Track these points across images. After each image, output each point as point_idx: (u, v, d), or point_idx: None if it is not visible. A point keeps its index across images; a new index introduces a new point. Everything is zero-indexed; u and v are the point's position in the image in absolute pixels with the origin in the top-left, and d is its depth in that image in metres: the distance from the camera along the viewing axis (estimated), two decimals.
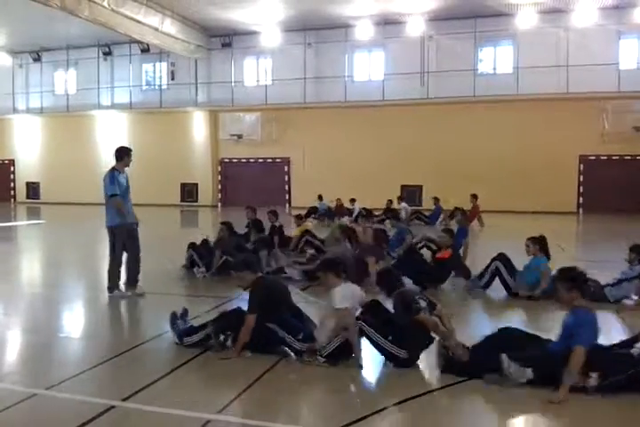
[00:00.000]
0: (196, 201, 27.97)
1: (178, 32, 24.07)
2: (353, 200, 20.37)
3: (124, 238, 7.64)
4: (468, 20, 23.11)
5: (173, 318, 5.70)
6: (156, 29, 22.59)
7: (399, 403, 4.25)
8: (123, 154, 7.76)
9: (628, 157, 22.72)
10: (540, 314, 7.01)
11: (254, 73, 27.48)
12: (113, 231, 7.70)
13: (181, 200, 28.10)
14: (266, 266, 9.02)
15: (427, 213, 19.47)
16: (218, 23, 25.08)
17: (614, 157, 22.86)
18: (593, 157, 23.12)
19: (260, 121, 26.30)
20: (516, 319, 6.73)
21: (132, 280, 7.85)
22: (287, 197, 27.08)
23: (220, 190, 28.10)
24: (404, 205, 19.29)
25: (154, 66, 28.82)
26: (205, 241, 10.03)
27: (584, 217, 22.32)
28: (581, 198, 23.44)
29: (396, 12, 23.02)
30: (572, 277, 4.54)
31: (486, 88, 23.25)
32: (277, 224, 11.41)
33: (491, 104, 23.22)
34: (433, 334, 4.98)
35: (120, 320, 7.32)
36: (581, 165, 23.34)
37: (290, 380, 4.76)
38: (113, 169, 7.65)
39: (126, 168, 7.81)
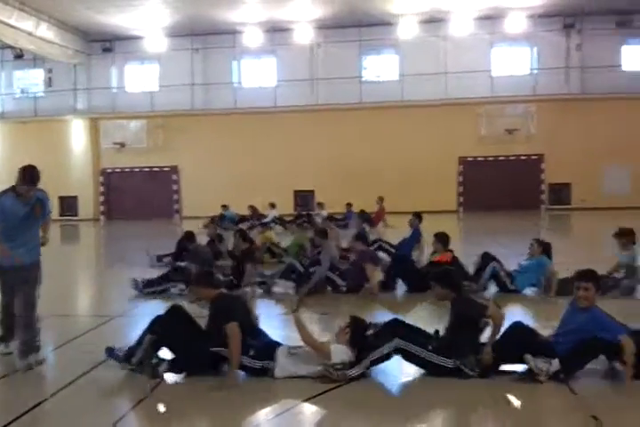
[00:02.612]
0: (76, 215, 26.35)
1: (55, 36, 22.78)
2: (272, 205, 20.04)
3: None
4: (353, 29, 23.98)
5: (110, 351, 4.96)
6: (30, 34, 21.25)
7: None
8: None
9: (502, 158, 24.55)
10: (550, 311, 6.71)
11: (138, 79, 26.56)
12: None
13: (60, 215, 26.26)
14: (248, 279, 8.21)
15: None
16: (98, 28, 24.03)
17: (489, 158, 24.59)
18: (470, 159, 24.72)
19: (145, 128, 25.40)
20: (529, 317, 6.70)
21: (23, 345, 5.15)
22: (177, 207, 26.29)
23: (103, 202, 26.70)
24: (273, 212, 19.51)
25: (28, 72, 26.95)
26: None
27: (463, 215, 23.73)
28: (461, 197, 24.94)
29: (283, 19, 23.35)
30: (598, 279, 4.82)
31: (372, 95, 24.18)
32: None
33: (376, 110, 24.14)
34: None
35: None
36: (460, 166, 24.86)
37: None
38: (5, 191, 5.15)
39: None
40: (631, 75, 24.08)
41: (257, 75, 26.03)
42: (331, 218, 18.32)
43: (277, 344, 4.87)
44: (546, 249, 7.90)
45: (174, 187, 26.20)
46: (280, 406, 4.20)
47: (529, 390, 4.42)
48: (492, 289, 7.97)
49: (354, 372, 4.55)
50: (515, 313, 6.59)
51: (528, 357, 4.50)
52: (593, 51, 23.85)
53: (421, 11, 22.71)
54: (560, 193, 24.55)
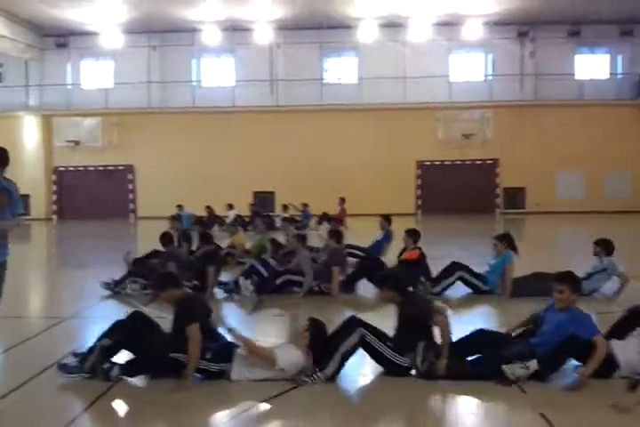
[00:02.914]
0: (28, 214, 25.50)
1: (4, 29, 22.06)
2: (230, 206, 19.85)
3: None
4: (313, 31, 23.99)
5: (63, 367, 4.65)
6: None
7: None
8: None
9: (459, 162, 24.94)
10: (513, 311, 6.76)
11: (93, 76, 25.96)
12: None
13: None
14: (212, 282, 7.99)
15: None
16: (52, 22, 23.41)
17: (447, 162, 24.96)
18: (428, 163, 25.04)
19: (100, 126, 24.82)
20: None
21: None
22: (132, 207, 25.78)
23: (56, 202, 25.97)
24: (233, 213, 19.37)
25: None
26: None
27: (422, 218, 24.00)
28: (419, 201, 25.23)
29: (243, 18, 23.20)
30: (576, 280, 4.84)
31: (333, 97, 24.25)
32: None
33: (337, 113, 24.22)
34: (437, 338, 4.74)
35: None
36: (418, 170, 25.15)
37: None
38: None
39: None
40: (583, 83, 24.83)
41: (216, 74, 25.78)
42: (290, 219, 18.23)
43: (235, 346, 4.75)
44: (509, 242, 7.83)
45: (129, 186, 25.68)
46: (237, 408, 4.12)
47: (478, 390, 4.45)
48: (460, 293, 7.97)
49: (329, 370, 4.51)
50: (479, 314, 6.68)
51: (505, 369, 4.51)
52: (546, 59, 24.52)
53: (381, 15, 22.91)
54: (515, 197, 25.10)
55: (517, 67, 24.83)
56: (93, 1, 21.11)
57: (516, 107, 24.28)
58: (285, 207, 19.70)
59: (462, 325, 5.38)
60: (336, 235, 8.58)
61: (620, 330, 5.04)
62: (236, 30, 24.11)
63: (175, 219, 11.53)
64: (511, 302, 7.35)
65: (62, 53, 25.21)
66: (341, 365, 4.57)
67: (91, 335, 6.13)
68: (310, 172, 24.14)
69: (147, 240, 18.98)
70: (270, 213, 19.45)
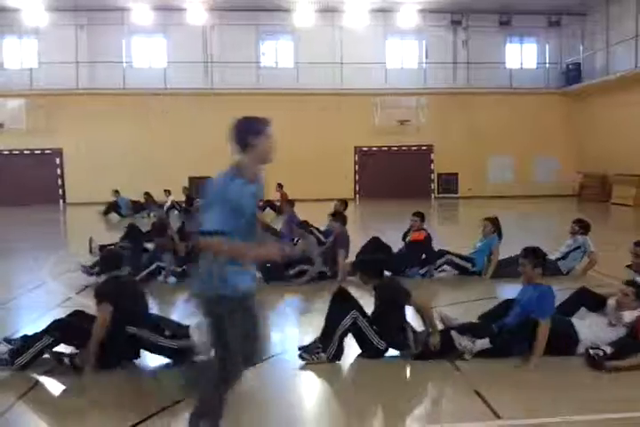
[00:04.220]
0: None
1: None
2: (168, 191, 19.37)
3: None
4: (249, 13, 23.53)
5: None
6: None
7: None
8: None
9: (395, 148, 25.24)
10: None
11: (16, 54, 24.60)
12: None
13: None
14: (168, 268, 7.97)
15: None
16: None
17: (383, 148, 25.21)
18: (366, 149, 25.22)
19: (24, 108, 23.60)
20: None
21: None
22: (61, 193, 24.77)
23: None
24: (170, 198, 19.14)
25: None
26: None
27: (360, 203, 24.21)
28: (357, 186, 25.42)
29: None
30: (538, 255, 4.95)
31: (269, 81, 23.95)
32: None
33: (274, 97, 23.89)
34: (418, 321, 4.91)
35: None
36: (356, 156, 25.31)
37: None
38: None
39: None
40: (513, 72, 25.54)
41: (147, 55, 24.92)
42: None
43: (186, 325, 4.78)
44: (496, 226, 8.18)
45: (57, 171, 24.64)
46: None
47: (419, 369, 4.55)
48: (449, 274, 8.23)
49: (330, 351, 4.73)
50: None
51: (453, 333, 4.67)
52: (478, 47, 25.02)
53: (317, 0, 22.73)
54: (448, 183, 25.68)
55: (450, 54, 25.24)
56: None
57: (449, 94, 24.72)
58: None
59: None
60: (342, 217, 8.57)
61: (568, 309, 5.26)
62: (167, 10, 23.36)
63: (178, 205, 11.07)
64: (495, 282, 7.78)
65: None
66: (340, 344, 4.77)
67: (18, 326, 5.88)
68: None
69: (77, 226, 18.49)
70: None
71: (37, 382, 4.33)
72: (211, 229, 3.02)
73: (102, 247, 9.04)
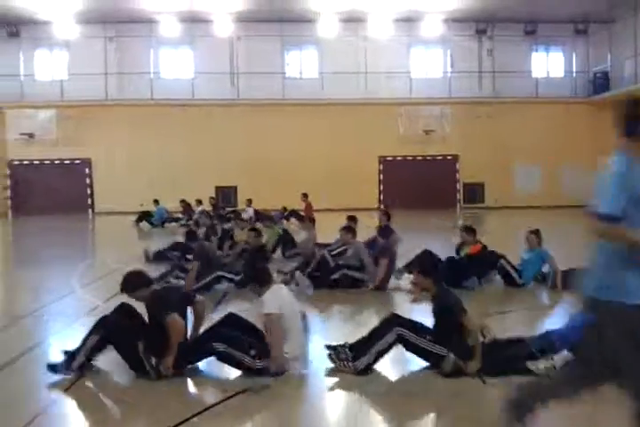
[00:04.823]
0: None
1: None
2: (199, 201, 19.50)
3: None
4: (274, 24, 23.79)
5: (52, 368, 4.59)
6: None
7: None
8: None
9: (420, 158, 25.18)
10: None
11: (47, 66, 25.18)
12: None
13: None
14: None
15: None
16: (3, 11, 22.54)
17: (408, 158, 25.16)
18: (390, 158, 25.20)
19: (55, 119, 24.13)
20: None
21: None
22: (90, 202, 25.19)
23: (10, 197, 25.13)
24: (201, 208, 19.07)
25: None
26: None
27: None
28: (382, 195, 25.38)
29: (202, 10, 22.85)
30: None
31: (294, 91, 24.14)
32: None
33: (299, 107, 24.09)
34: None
35: None
36: (381, 166, 25.29)
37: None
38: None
39: None
40: (539, 81, 25.34)
41: (174, 66, 25.33)
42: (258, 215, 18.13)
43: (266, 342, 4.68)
44: (540, 237, 8.13)
45: (87, 181, 25.08)
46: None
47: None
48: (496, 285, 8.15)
49: (360, 364, 4.60)
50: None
51: (529, 364, 4.54)
52: (504, 56, 24.92)
53: (341, 10, 22.88)
54: (474, 192, 25.49)
55: (475, 64, 25.16)
56: None
57: (474, 104, 24.62)
58: (250, 202, 19.42)
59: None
60: (388, 230, 9.03)
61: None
62: (194, 21, 23.74)
63: (207, 214, 11.33)
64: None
65: (14, 43, 24.32)
66: (375, 361, 4.64)
67: (47, 333, 5.99)
68: (272, 166, 24.00)
69: (105, 235, 18.73)
70: (236, 209, 19.14)
71: (76, 382, 4.41)
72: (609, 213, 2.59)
73: (157, 253, 9.09)
